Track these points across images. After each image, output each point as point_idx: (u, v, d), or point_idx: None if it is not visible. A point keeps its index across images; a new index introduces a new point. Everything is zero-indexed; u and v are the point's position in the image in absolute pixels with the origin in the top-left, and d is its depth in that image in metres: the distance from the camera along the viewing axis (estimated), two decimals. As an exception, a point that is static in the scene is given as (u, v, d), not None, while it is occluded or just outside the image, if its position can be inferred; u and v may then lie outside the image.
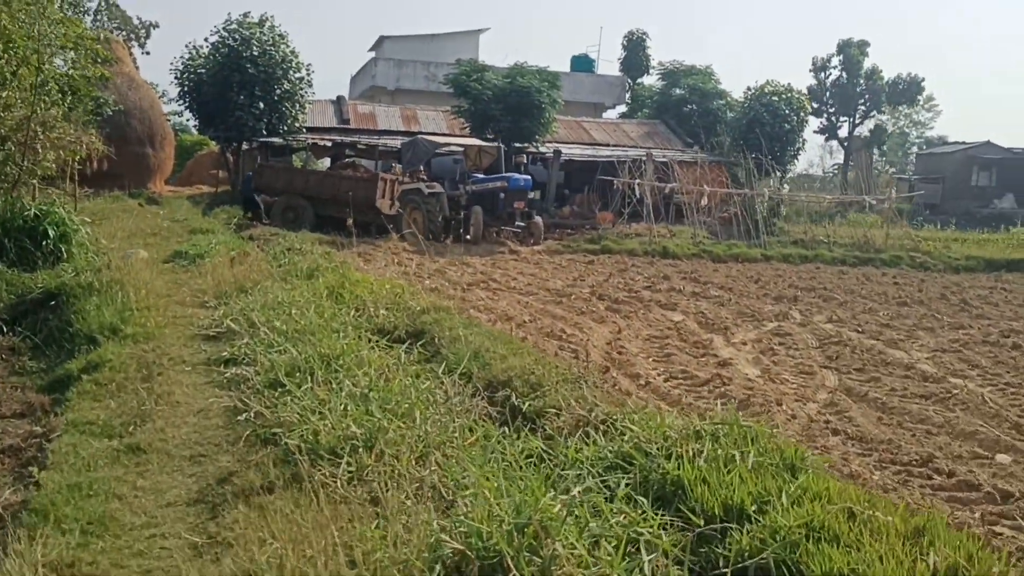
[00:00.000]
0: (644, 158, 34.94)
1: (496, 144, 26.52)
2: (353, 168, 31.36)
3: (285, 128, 34.13)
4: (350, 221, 28.06)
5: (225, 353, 8.21)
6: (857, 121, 65.20)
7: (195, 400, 7.11)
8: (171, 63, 35.19)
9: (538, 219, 24.63)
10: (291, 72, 34.06)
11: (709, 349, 10.51)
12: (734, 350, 10.54)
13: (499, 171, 25.03)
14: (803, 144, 40.10)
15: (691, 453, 4.33)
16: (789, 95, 38.60)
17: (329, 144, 35.37)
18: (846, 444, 7.03)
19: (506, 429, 5.57)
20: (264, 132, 33.38)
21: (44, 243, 13.11)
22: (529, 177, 24.08)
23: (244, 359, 7.82)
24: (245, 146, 35.60)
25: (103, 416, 6.85)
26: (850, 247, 26.62)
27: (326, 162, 42.94)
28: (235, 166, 36.44)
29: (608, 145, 40.27)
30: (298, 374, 6.81)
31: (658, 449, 4.49)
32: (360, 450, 5.04)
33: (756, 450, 4.41)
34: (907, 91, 65.43)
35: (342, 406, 5.80)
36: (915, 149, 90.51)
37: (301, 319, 8.82)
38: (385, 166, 33.94)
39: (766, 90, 38.78)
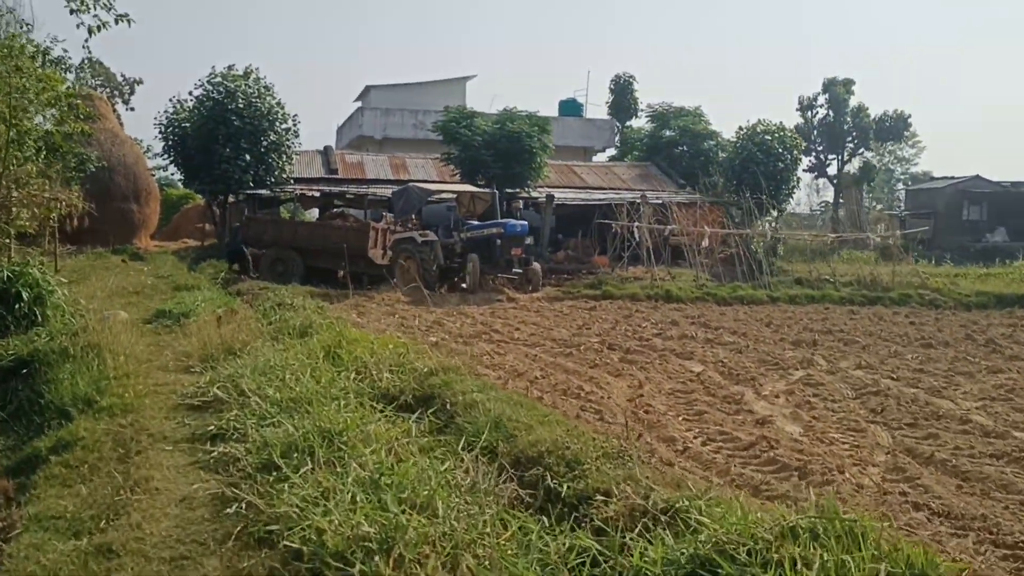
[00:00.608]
0: (639, 200, 34.45)
1: (491, 190, 25.80)
2: (342, 218, 30.67)
3: (272, 179, 33.48)
4: (341, 272, 27.46)
5: (212, 427, 7.32)
6: (845, 158, 65.19)
7: (177, 486, 6.20)
8: (155, 117, 34.57)
9: (536, 265, 23.88)
10: (277, 123, 33.53)
11: (741, 404, 9.66)
12: (767, 404, 9.70)
13: (494, 217, 24.33)
14: (797, 182, 39.71)
15: (794, 561, 3.47)
16: (782, 133, 38.24)
17: (317, 194, 34.68)
18: (932, 521, 6.17)
19: (545, 519, 4.71)
20: (251, 184, 32.70)
21: (17, 306, 12.22)
22: (526, 223, 23.38)
23: (233, 434, 6.94)
24: (232, 199, 34.88)
25: (71, 507, 5.95)
26: (856, 286, 25.93)
27: (315, 213, 42.28)
28: (222, 219, 35.68)
29: (601, 188, 39.72)
30: (296, 454, 5.93)
31: (748, 553, 3.63)
32: (375, 555, 4.16)
33: (870, 554, 3.55)
34: (894, 128, 65.60)
35: (349, 495, 4.92)
36: (901, 185, 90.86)
37: (296, 385, 7.95)
38: (375, 215, 33.22)
39: (758, 129, 38.42)
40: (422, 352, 9.11)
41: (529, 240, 23.79)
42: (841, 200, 63.75)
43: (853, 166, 65.63)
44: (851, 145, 64.82)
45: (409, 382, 7.97)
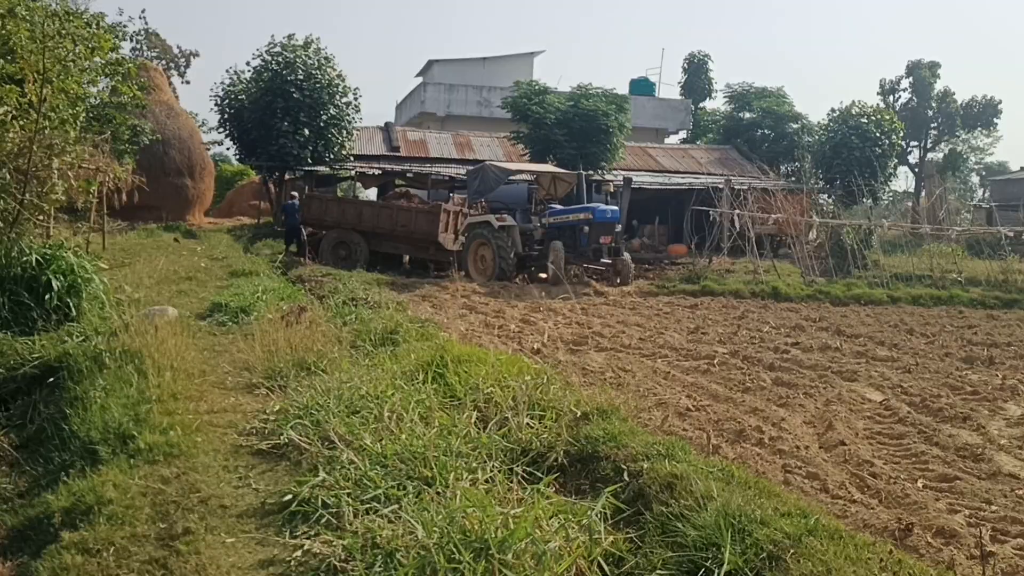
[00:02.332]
0: (722, 185, 31.85)
1: (576, 172, 23.43)
2: (406, 198, 28.55)
3: (331, 156, 31.51)
4: (407, 258, 25.38)
5: (288, 495, 5.14)
6: (928, 146, 61.56)
7: (243, 608, 4.04)
8: (211, 89, 32.75)
9: (627, 256, 21.45)
10: (337, 97, 31.58)
11: (979, 457, 7.21)
12: (1012, 458, 7.27)
13: (579, 201, 21.97)
14: (895, 169, 36.72)
15: None
16: (879, 116, 35.30)
17: (378, 172, 32.58)
18: None
19: None
20: (309, 160, 30.79)
21: (47, 297, 10.22)
22: (617, 208, 21.00)
23: (321, 514, 4.75)
24: (288, 175, 33.03)
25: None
26: (986, 286, 23.09)
27: (372, 193, 40.34)
28: (277, 197, 33.86)
29: (678, 172, 37.19)
30: (430, 574, 3.72)
31: None
32: None
33: None
34: (982, 114, 61.70)
35: None
36: (975, 176, 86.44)
37: (403, 432, 5.75)
38: (437, 195, 31.12)
39: (853, 111, 35.52)
40: (558, 380, 6.83)
41: (619, 228, 21.40)
42: (923, 189, 60.16)
43: (937, 154, 61.97)
44: (935, 132, 61.10)
45: (557, 432, 5.71)
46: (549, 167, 23.85)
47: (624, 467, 5.10)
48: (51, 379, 8.60)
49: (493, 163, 23.47)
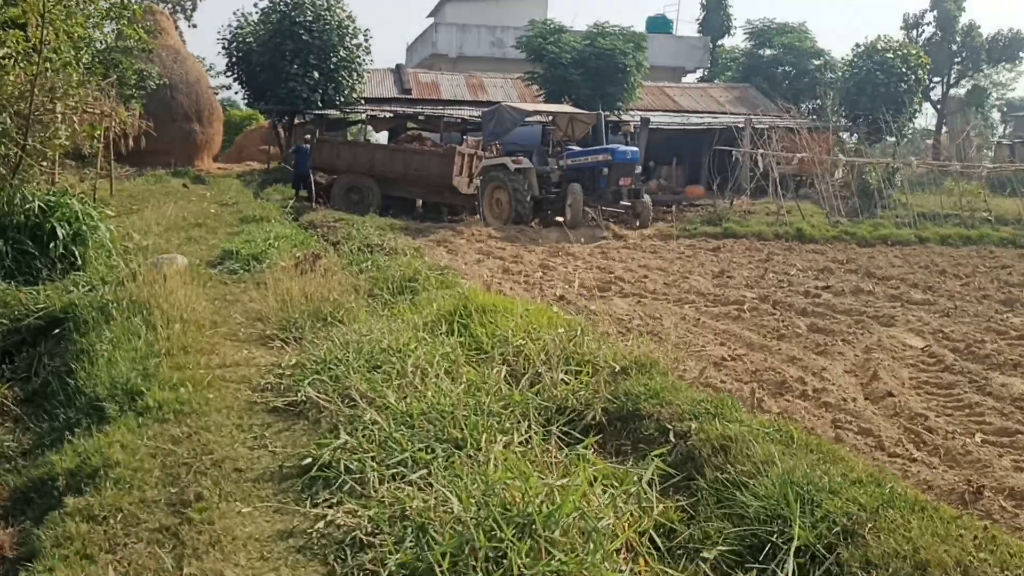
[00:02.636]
0: (742, 124, 31.08)
1: (595, 112, 22.74)
2: (419, 142, 27.95)
3: (341, 99, 30.86)
4: (420, 203, 24.86)
5: (308, 458, 4.77)
6: (952, 81, 60.05)
7: (261, 583, 3.70)
8: (218, 32, 31.99)
9: (647, 199, 20.87)
10: (347, 38, 30.86)
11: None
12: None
13: (597, 142, 21.34)
14: (920, 106, 35.77)
15: None
16: (906, 51, 34.25)
17: (390, 115, 31.91)
18: None
19: None
20: (319, 104, 30.17)
21: (51, 245, 9.84)
22: (637, 149, 20.34)
23: (344, 481, 4.39)
24: (298, 119, 32.43)
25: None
26: (1017, 225, 22.43)
27: (383, 136, 39.67)
28: (287, 141, 33.32)
29: (696, 112, 36.33)
30: (469, 553, 3.35)
31: None
32: None
33: None
34: (1008, 48, 59.97)
35: None
36: (995, 112, 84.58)
37: (427, 388, 5.36)
38: (450, 138, 30.51)
39: (879, 46, 34.46)
40: (588, 330, 6.40)
41: (638, 169, 20.79)
42: (945, 126, 58.83)
43: (960, 90, 60.47)
44: (958, 67, 59.52)
45: (595, 389, 5.30)
46: (566, 107, 23.18)
47: (670, 427, 4.71)
48: (56, 331, 8.26)
49: (509, 104, 22.82)
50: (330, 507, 4.20)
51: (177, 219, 15.70)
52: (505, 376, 5.67)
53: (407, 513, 3.83)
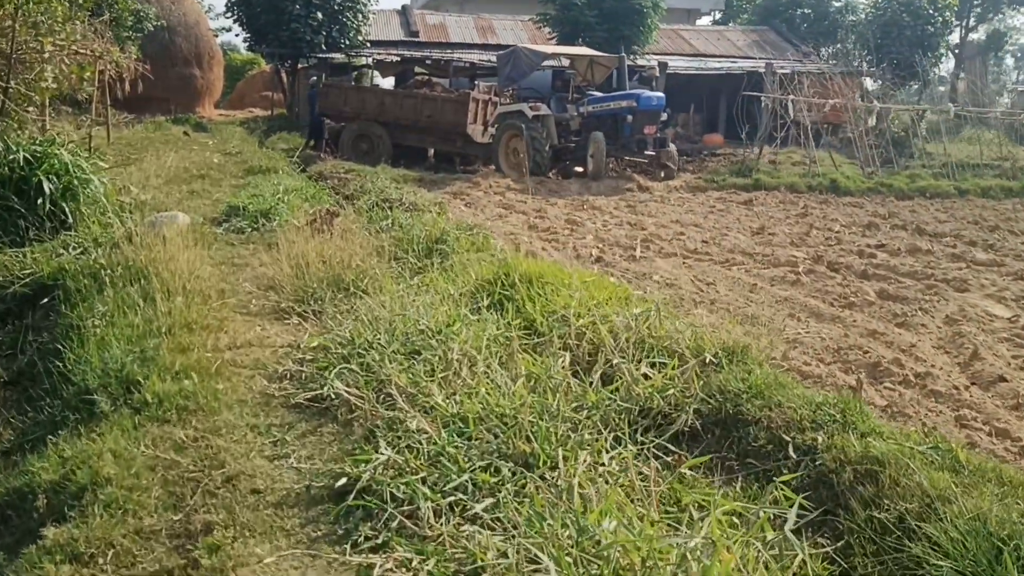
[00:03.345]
0: (764, 70, 29.81)
1: (617, 55, 21.52)
2: (429, 87, 26.74)
3: (347, 42, 29.57)
4: (432, 151, 23.76)
5: (342, 477, 3.88)
6: (971, 25, 58.21)
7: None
8: (216, -30, 30.55)
9: (672, 148, 19.78)
10: (352, -22, 29.39)
11: None
12: None
13: (620, 88, 20.18)
14: (947, 49, 34.37)
15: None
16: (933, -7, 32.79)
17: (397, 59, 30.62)
18: None
19: None
20: (323, 47, 28.90)
21: (39, 202, 8.89)
22: (662, 95, 19.20)
23: (391, 516, 3.49)
24: (301, 64, 31.15)
25: None
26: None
27: (389, 82, 38.40)
28: (290, 87, 32.09)
29: (713, 56, 34.97)
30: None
31: None
32: None
33: None
34: (1031, -10, 58.09)
35: None
36: (1009, 58, 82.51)
37: (479, 383, 4.47)
38: (459, 83, 29.27)
39: (904, -14, 32.98)
40: (665, 309, 5.47)
41: (664, 116, 19.67)
42: (962, 72, 57.17)
43: (978, 34, 58.65)
44: (978, 11, 57.64)
45: (684, 386, 4.39)
46: (586, 50, 21.98)
47: (786, 439, 3.80)
48: (44, 300, 7.37)
49: (525, 46, 21.62)
50: (374, 550, 3.32)
51: (178, 170, 14.69)
52: (569, 366, 4.75)
53: (480, 568, 2.94)
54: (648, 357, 4.74)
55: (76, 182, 9.21)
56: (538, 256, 9.99)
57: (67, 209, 9.00)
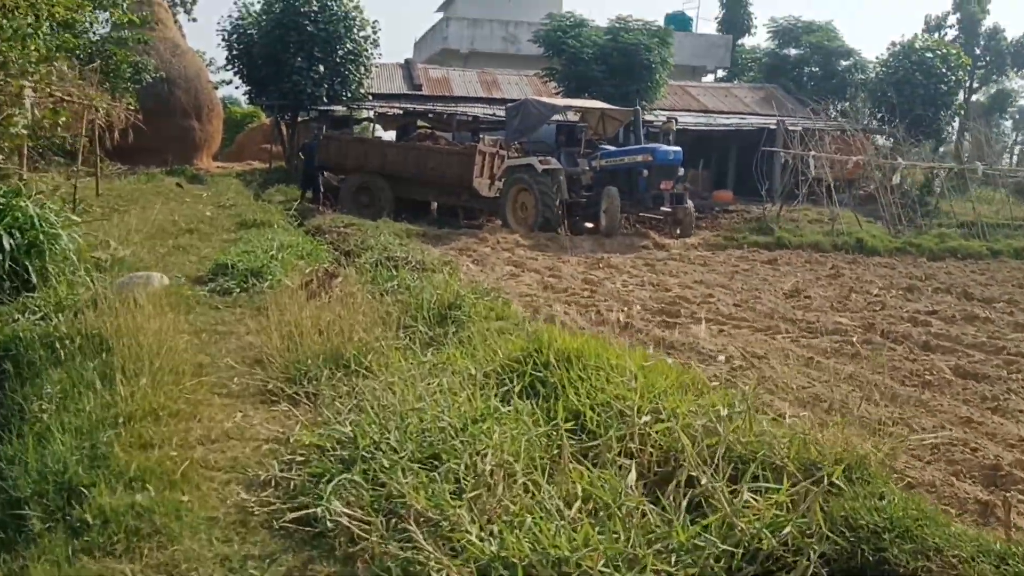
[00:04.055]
0: (774, 126, 29.13)
1: (632, 108, 20.71)
2: (433, 140, 25.91)
3: (348, 95, 28.92)
4: (435, 205, 22.84)
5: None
6: (975, 86, 58.02)
7: None
8: (218, 22, 30.00)
9: (690, 204, 18.83)
10: (355, 30, 28.91)
11: None
12: None
13: (637, 141, 19.32)
14: (959, 109, 33.76)
15: None
16: (946, 51, 32.28)
17: (399, 112, 29.90)
18: None
19: None
20: (324, 99, 28.22)
21: None
22: (679, 149, 18.31)
23: None
24: (302, 116, 30.46)
25: None
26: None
27: (391, 135, 37.73)
28: (290, 139, 31.36)
29: (721, 112, 34.34)
30: None
31: None
32: None
33: None
34: (1033, 52, 57.99)
35: None
36: (1007, 120, 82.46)
37: (521, 508, 3.36)
38: (462, 138, 28.49)
39: (916, 45, 32.51)
40: (755, 405, 4.37)
41: (681, 172, 18.77)
42: (967, 133, 56.79)
43: (982, 94, 58.44)
44: (982, 71, 57.49)
45: (802, 519, 3.28)
46: (598, 103, 21.16)
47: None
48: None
49: (535, 98, 20.81)
50: None
51: (166, 223, 13.69)
52: (637, 483, 3.65)
53: None
54: (740, 471, 3.65)
55: (42, 237, 8.16)
56: (558, 320, 8.95)
57: (30, 267, 7.95)
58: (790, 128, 28.99)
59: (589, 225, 19.08)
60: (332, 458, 4.18)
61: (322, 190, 21.60)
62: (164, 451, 4.50)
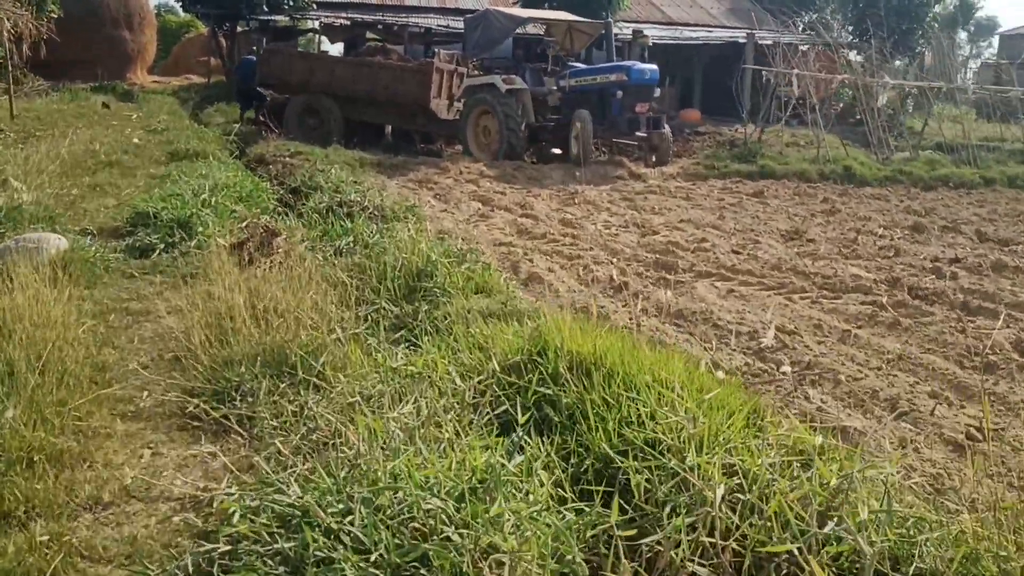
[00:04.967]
0: (744, 40, 27.62)
1: (602, 20, 19.05)
2: (384, 54, 24.03)
3: (291, 3, 26.77)
4: (389, 129, 21.14)
5: None
6: (937, -3, 56.57)
7: None
8: (145, -79, 27.42)
9: (667, 129, 17.39)
10: (297, -74, 26.60)
11: None
12: None
13: (609, 58, 17.78)
14: (932, 21, 32.45)
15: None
16: (920, -43, 30.84)
17: (347, 23, 27.75)
18: None
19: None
20: (265, 8, 26.06)
21: None
22: (656, 67, 16.77)
23: None
24: (241, 27, 28.24)
25: None
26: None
27: (338, 48, 35.46)
28: (229, 52, 29.16)
29: (687, 25, 32.69)
30: None
31: None
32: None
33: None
34: (998, -38, 56.74)
35: None
36: (962, 32, 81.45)
37: None
38: (414, 52, 26.57)
39: (889, -50, 30.97)
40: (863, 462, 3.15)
41: (658, 92, 17.29)
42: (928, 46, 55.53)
43: (946, 5, 57.11)
44: (947, -20, 56.05)
45: None
46: (565, 15, 19.44)
47: None
48: None
49: (497, 9, 19.05)
50: None
51: (84, 154, 12.00)
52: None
53: None
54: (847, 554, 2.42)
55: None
56: (545, 281, 7.66)
57: None
58: (760, 42, 27.63)
59: (556, 151, 17.67)
60: (269, 557, 2.87)
61: (266, 111, 19.77)
62: (31, 532, 3.16)
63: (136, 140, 14.68)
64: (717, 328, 6.50)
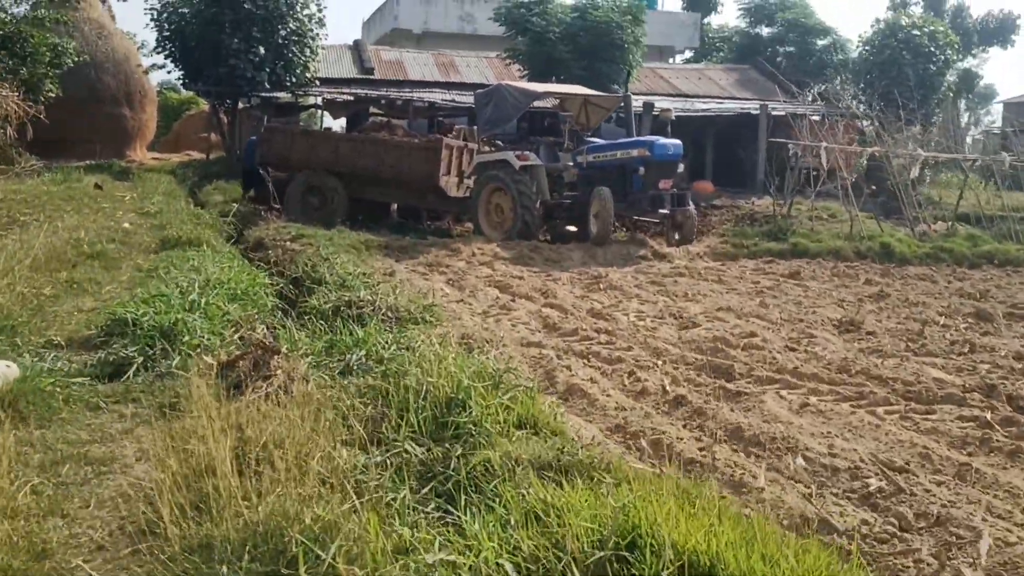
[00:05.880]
0: (759, 112, 27.03)
1: (620, 94, 18.30)
2: (389, 130, 23.24)
3: (293, 80, 26.20)
4: (395, 207, 20.23)
5: None
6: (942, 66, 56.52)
7: None
8: (146, 0, 26.97)
9: (692, 208, 16.41)
10: (298, 7, 26.12)
11: None
12: None
13: (629, 132, 16.94)
14: (947, 91, 31.90)
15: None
16: (933, 29, 30.37)
17: (350, 99, 27.12)
18: None
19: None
20: (266, 85, 25.46)
21: None
22: (679, 142, 15.88)
23: None
24: (243, 103, 27.61)
25: None
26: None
27: (341, 124, 34.91)
28: (230, 129, 28.49)
29: (697, 96, 32.10)
30: None
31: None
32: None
33: None
34: (999, 30, 56.69)
35: None
36: (961, 101, 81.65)
37: None
38: (419, 126, 25.88)
39: (902, 22, 30.54)
40: None
41: (681, 167, 16.40)
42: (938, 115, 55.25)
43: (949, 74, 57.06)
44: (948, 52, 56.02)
45: None
46: (580, 88, 18.66)
47: None
48: None
49: (510, 83, 18.26)
50: None
51: (64, 244, 10.95)
52: None
53: None
54: None
55: None
56: (589, 396, 6.54)
57: None
58: (773, 113, 26.97)
59: (571, 229, 16.70)
60: None
61: (267, 191, 18.82)
62: None
63: (127, 225, 13.70)
64: (808, 461, 5.35)
